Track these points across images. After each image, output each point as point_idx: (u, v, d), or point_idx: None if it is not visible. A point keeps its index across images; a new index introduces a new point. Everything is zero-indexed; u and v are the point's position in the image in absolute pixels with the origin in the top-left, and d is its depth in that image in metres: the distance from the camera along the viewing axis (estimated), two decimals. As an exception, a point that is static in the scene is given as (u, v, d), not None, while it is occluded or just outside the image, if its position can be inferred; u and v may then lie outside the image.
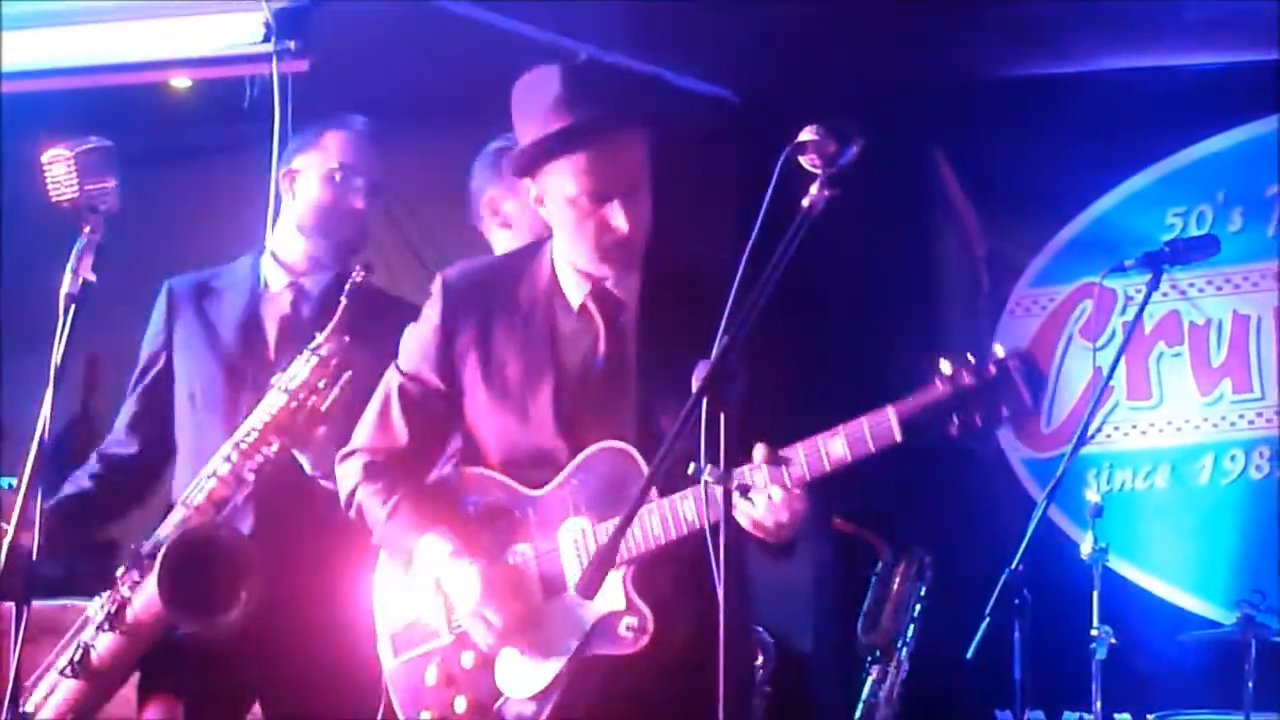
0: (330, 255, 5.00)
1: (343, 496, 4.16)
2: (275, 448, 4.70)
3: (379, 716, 4.17)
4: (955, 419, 3.47)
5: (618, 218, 3.83)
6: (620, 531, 3.48)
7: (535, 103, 3.89)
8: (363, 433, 4.16)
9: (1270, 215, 6.75)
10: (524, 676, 3.88)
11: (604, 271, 3.93)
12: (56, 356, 3.94)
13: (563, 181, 3.86)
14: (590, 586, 3.52)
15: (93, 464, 5.12)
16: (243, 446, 4.70)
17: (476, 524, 3.99)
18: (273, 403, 4.70)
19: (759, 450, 3.61)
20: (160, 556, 4.61)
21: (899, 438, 3.51)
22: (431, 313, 4.09)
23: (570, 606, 3.82)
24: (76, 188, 4.07)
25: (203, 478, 4.73)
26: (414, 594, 4.02)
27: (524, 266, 4.07)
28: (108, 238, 4.05)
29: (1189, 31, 6.61)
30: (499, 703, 3.91)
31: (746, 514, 3.63)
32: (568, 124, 3.83)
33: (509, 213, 5.04)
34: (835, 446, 3.57)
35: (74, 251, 4.02)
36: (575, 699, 3.84)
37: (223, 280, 5.09)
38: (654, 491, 3.55)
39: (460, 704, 3.95)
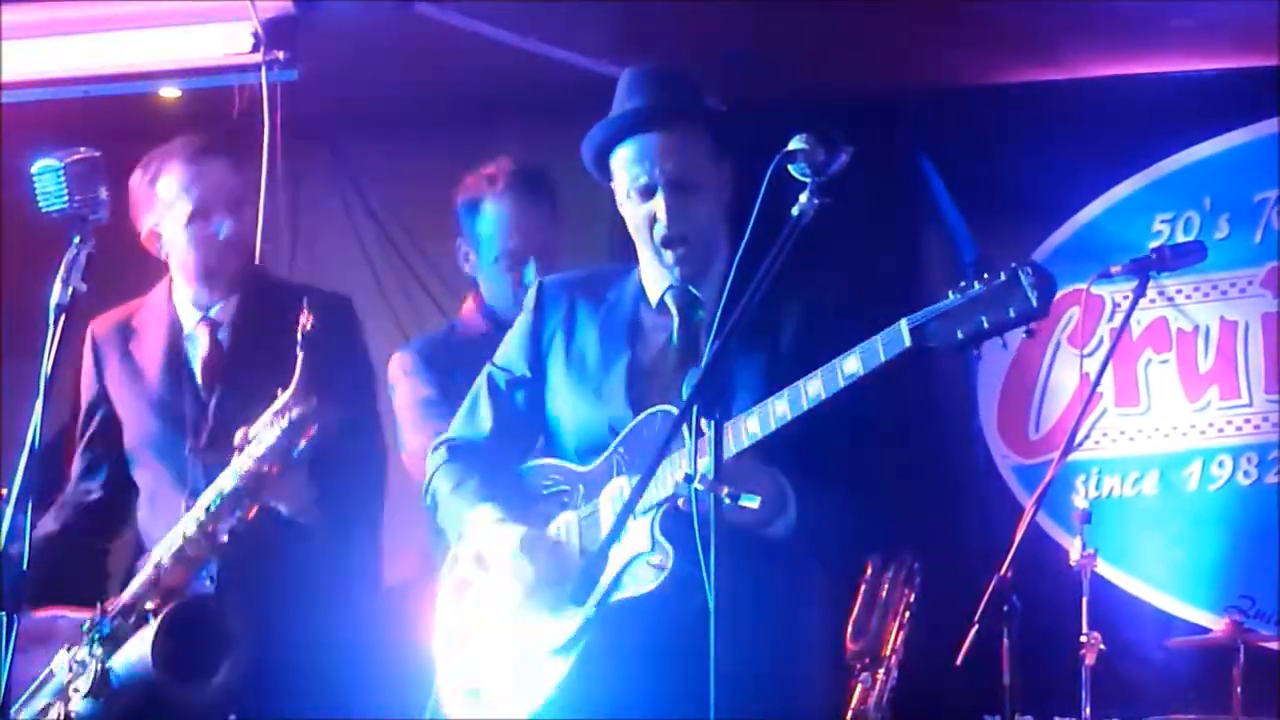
0: (225, 290, 4.94)
1: (424, 483, 4.23)
2: (249, 509, 4.62)
3: (430, 704, 4.20)
4: (963, 324, 3.48)
5: (660, 213, 3.91)
6: (617, 528, 3.54)
7: (613, 105, 4.00)
8: (454, 423, 4.27)
9: (1257, 221, 6.75)
10: (552, 633, 3.91)
11: (673, 272, 3.98)
12: (46, 366, 3.93)
13: (618, 176, 3.97)
14: (583, 592, 3.55)
15: (56, 512, 5.06)
16: (212, 509, 4.60)
17: (534, 508, 4.04)
18: (240, 467, 4.56)
19: None
20: (156, 630, 4.59)
21: (909, 343, 3.53)
22: (526, 306, 4.21)
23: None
24: (66, 198, 4.06)
25: (172, 535, 4.67)
26: (466, 586, 4.09)
27: (618, 273, 4.16)
28: (98, 248, 4.05)
29: (1176, 38, 6.62)
30: (527, 664, 3.94)
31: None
32: (614, 115, 3.95)
33: (474, 264, 5.08)
34: (850, 363, 3.60)
35: (64, 262, 4.02)
36: (601, 650, 3.86)
37: (140, 318, 5.03)
38: (700, 476, 3.49)
39: (490, 671, 4.00)
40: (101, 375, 5.03)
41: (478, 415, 4.22)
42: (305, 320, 4.49)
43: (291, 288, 4.94)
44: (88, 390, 5.07)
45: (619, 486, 3.90)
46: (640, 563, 3.82)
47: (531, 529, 3.97)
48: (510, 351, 4.22)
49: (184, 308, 4.98)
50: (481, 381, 4.24)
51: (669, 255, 3.94)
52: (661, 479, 3.75)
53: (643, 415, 3.90)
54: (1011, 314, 3.44)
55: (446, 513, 4.17)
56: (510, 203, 5.04)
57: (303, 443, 4.53)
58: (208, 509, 4.61)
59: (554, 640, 3.91)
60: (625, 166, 3.94)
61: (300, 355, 4.50)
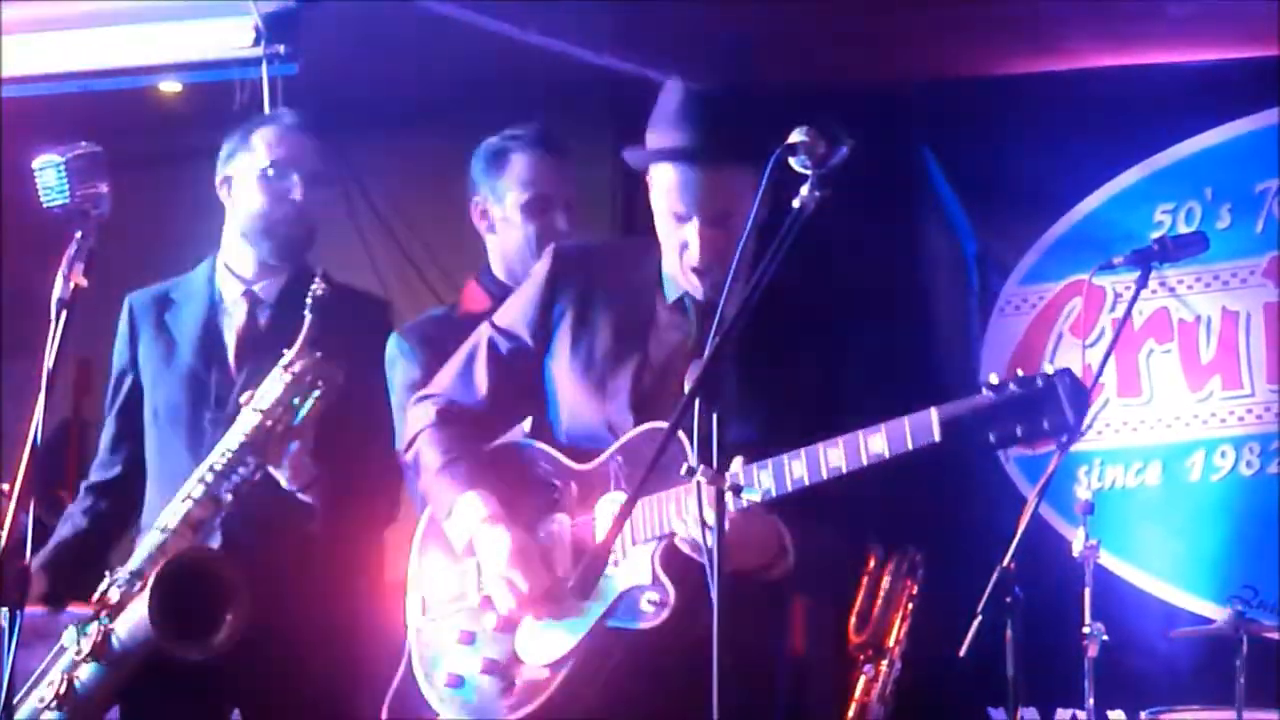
0: (279, 256, 4.98)
1: (406, 437, 4.17)
2: (253, 469, 4.67)
3: (398, 675, 4.18)
4: (995, 427, 3.46)
5: (693, 243, 3.87)
6: (616, 528, 3.52)
7: (660, 110, 3.94)
8: (443, 379, 4.19)
9: (1258, 211, 6.75)
10: (543, 643, 3.89)
11: (697, 289, 3.94)
12: (48, 362, 3.93)
13: (656, 193, 3.91)
14: (584, 587, 3.55)
15: (83, 498, 5.10)
16: (217, 468, 4.65)
17: (521, 493, 4.00)
18: (246, 423, 4.65)
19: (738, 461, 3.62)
20: (151, 585, 4.59)
21: (938, 438, 3.49)
22: (539, 272, 4.12)
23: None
24: (67, 194, 4.06)
25: (177, 501, 4.69)
26: (448, 554, 4.05)
27: (638, 253, 4.09)
28: (100, 242, 4.05)
29: (1175, 28, 6.62)
30: (515, 668, 3.92)
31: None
32: (665, 146, 3.88)
33: (495, 217, 5.05)
34: (875, 442, 3.56)
35: (65, 257, 4.02)
36: (591, 671, 3.85)
37: (180, 291, 5.07)
38: (701, 469, 3.42)
39: (476, 664, 3.97)
40: (134, 344, 5.07)
41: (473, 377, 4.13)
42: (317, 286, 4.62)
43: (336, 285, 4.93)
44: (119, 361, 5.12)
45: (615, 501, 3.87)
46: (639, 594, 3.80)
47: (521, 537, 3.92)
48: (515, 317, 4.12)
49: (226, 280, 5.02)
50: (481, 342, 4.15)
51: (694, 278, 3.92)
52: (663, 514, 3.75)
53: (643, 428, 3.88)
54: (1045, 426, 3.42)
55: (429, 486, 4.10)
56: (541, 153, 5.02)
57: (308, 400, 4.58)
58: (212, 467, 4.66)
59: (543, 653, 3.89)
60: (664, 187, 3.90)
61: (308, 317, 4.61)
